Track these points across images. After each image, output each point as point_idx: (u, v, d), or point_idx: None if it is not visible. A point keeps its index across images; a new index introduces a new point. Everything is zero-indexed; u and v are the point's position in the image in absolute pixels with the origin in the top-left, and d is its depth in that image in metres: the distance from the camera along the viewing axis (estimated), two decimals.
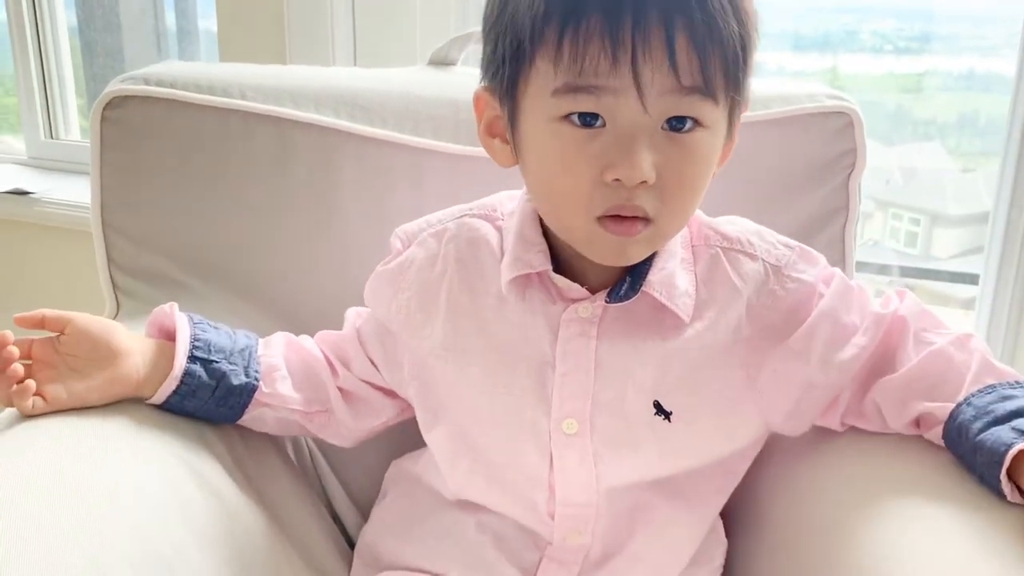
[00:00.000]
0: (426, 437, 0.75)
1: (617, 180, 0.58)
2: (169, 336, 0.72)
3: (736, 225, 0.72)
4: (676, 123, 0.59)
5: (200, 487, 0.68)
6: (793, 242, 0.71)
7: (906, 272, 1.89)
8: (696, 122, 0.59)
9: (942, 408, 0.64)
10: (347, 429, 0.78)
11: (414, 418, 0.77)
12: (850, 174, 0.90)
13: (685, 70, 0.56)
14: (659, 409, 0.67)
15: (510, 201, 0.73)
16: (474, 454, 0.72)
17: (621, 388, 0.67)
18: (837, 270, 0.71)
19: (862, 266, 1.77)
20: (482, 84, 0.66)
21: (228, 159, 0.89)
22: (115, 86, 0.89)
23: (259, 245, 0.90)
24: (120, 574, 0.55)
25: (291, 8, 1.39)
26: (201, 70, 0.93)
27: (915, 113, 1.69)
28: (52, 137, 1.97)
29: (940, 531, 0.59)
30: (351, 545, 0.85)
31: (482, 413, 0.71)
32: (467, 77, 0.92)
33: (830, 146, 0.90)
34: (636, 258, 0.64)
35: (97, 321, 0.69)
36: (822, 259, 0.71)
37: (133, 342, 0.70)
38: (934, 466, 0.65)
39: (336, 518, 0.88)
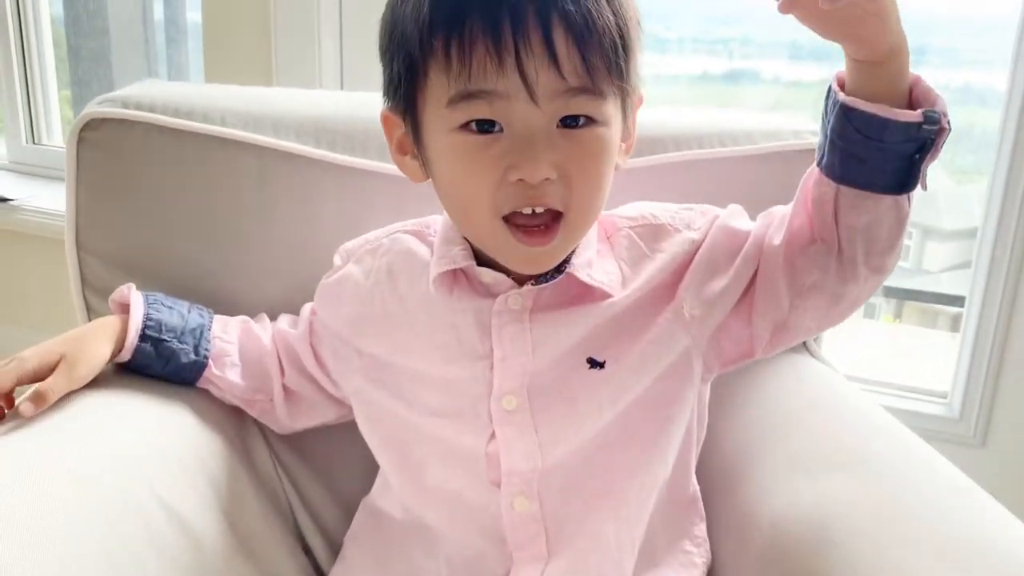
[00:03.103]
0: (364, 429, 0.78)
1: (521, 180, 0.61)
2: (129, 312, 0.78)
3: (635, 208, 0.77)
4: (570, 120, 0.62)
5: (170, 519, 0.69)
6: (692, 204, 0.76)
7: (891, 293, 1.90)
8: (589, 119, 0.63)
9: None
10: (281, 424, 0.84)
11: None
12: None
13: (566, 63, 0.59)
14: (593, 363, 0.70)
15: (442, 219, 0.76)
16: (417, 437, 0.75)
17: (555, 357, 0.71)
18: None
19: None
20: (385, 105, 0.69)
21: (206, 185, 0.88)
22: (93, 108, 0.88)
23: (238, 273, 0.89)
24: None
25: (278, 29, 1.38)
26: (182, 92, 0.92)
27: None
28: (34, 142, 1.96)
29: None
30: None
31: (424, 403, 0.74)
32: None
33: None
34: (552, 263, 0.68)
35: (88, 374, 0.74)
36: (718, 209, 0.75)
37: (105, 341, 0.76)
38: None
39: (307, 551, 0.87)
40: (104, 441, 0.69)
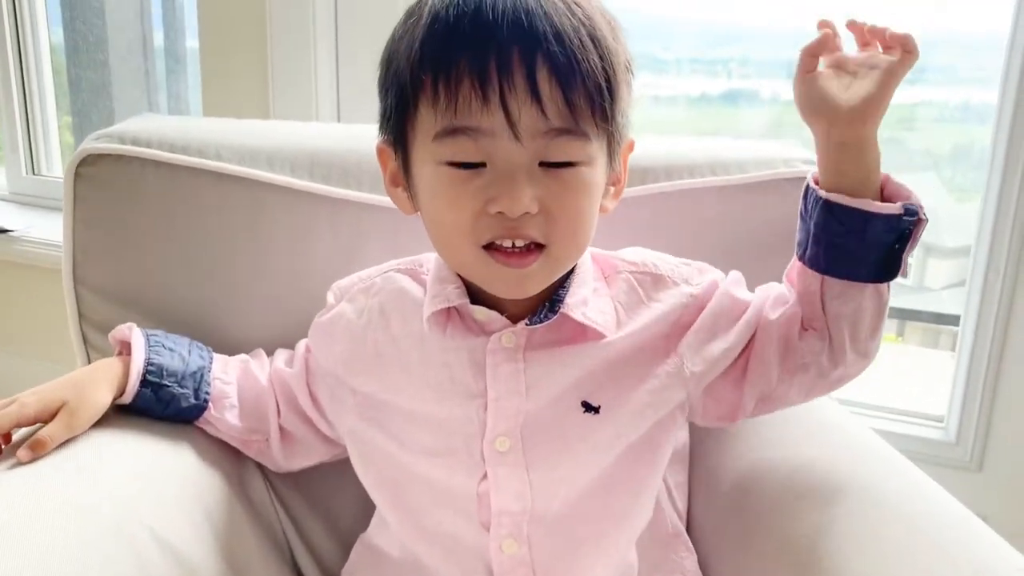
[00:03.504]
0: (359, 469, 0.78)
1: (500, 213, 0.62)
2: (130, 352, 0.77)
3: (637, 253, 0.78)
4: (553, 161, 0.63)
5: (164, 553, 0.69)
6: (689, 260, 0.77)
7: (892, 312, 1.89)
8: (571, 160, 0.64)
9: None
10: (277, 464, 0.84)
11: None
12: None
13: (550, 104, 0.61)
14: (587, 407, 0.71)
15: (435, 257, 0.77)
16: (410, 477, 0.75)
17: (549, 397, 0.71)
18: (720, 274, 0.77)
19: None
20: (379, 138, 0.70)
21: (202, 219, 0.89)
22: (90, 144, 0.89)
23: (232, 305, 0.90)
24: None
25: (275, 62, 1.39)
26: (177, 127, 0.93)
27: (910, 144, 1.69)
28: (34, 173, 1.97)
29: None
30: None
31: (416, 442, 0.74)
32: None
33: None
34: (534, 288, 0.68)
35: (88, 422, 0.73)
36: (715, 270, 0.77)
37: (106, 388, 0.75)
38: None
39: None
40: (100, 477, 0.69)
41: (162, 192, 0.88)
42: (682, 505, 0.87)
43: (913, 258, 0.67)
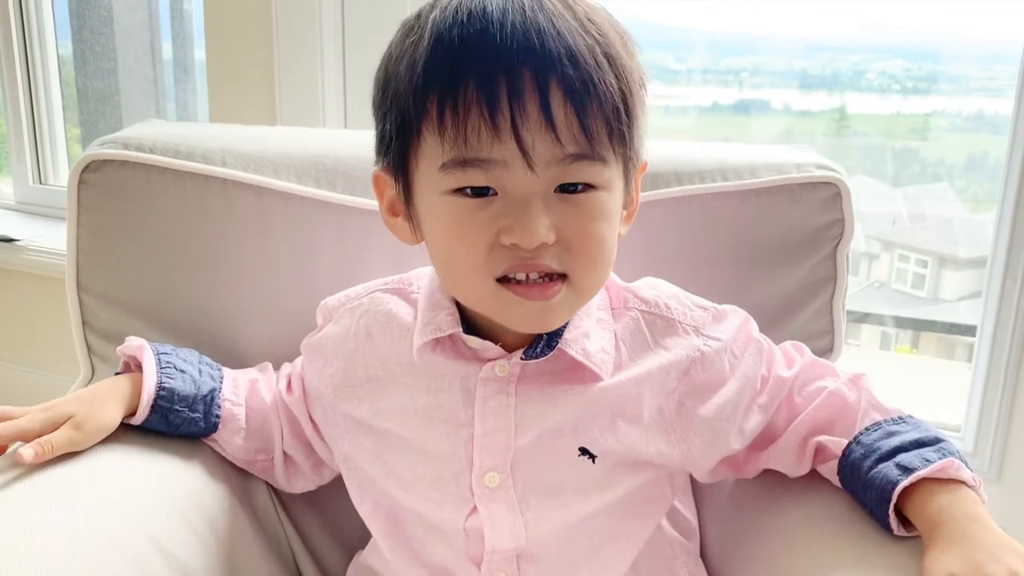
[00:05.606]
0: (354, 496, 0.76)
1: (515, 244, 0.58)
2: (139, 367, 0.76)
3: (655, 289, 0.73)
4: (569, 186, 0.60)
5: (166, 561, 0.68)
6: (708, 303, 0.72)
7: (906, 323, 1.88)
8: (588, 185, 0.60)
9: (836, 443, 0.68)
10: (279, 484, 0.83)
11: None
12: (837, 244, 0.89)
13: (564, 130, 0.57)
14: (584, 452, 0.68)
15: (428, 276, 0.74)
16: (400, 507, 0.73)
17: (539, 436, 0.67)
18: (748, 322, 0.73)
19: (864, 317, 1.77)
20: (377, 165, 0.67)
21: (207, 226, 0.88)
22: (94, 150, 0.88)
23: (238, 313, 0.89)
24: None
25: (281, 69, 1.39)
26: (183, 133, 0.92)
27: (923, 154, 1.69)
28: (40, 183, 1.97)
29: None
30: None
31: (406, 471, 0.71)
32: None
33: (817, 216, 0.89)
34: (558, 322, 0.64)
35: (91, 440, 0.71)
36: (736, 318, 0.72)
37: (116, 407, 0.73)
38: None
39: None
40: (102, 487, 0.69)
41: (167, 198, 0.87)
42: (690, 515, 0.85)
43: None
